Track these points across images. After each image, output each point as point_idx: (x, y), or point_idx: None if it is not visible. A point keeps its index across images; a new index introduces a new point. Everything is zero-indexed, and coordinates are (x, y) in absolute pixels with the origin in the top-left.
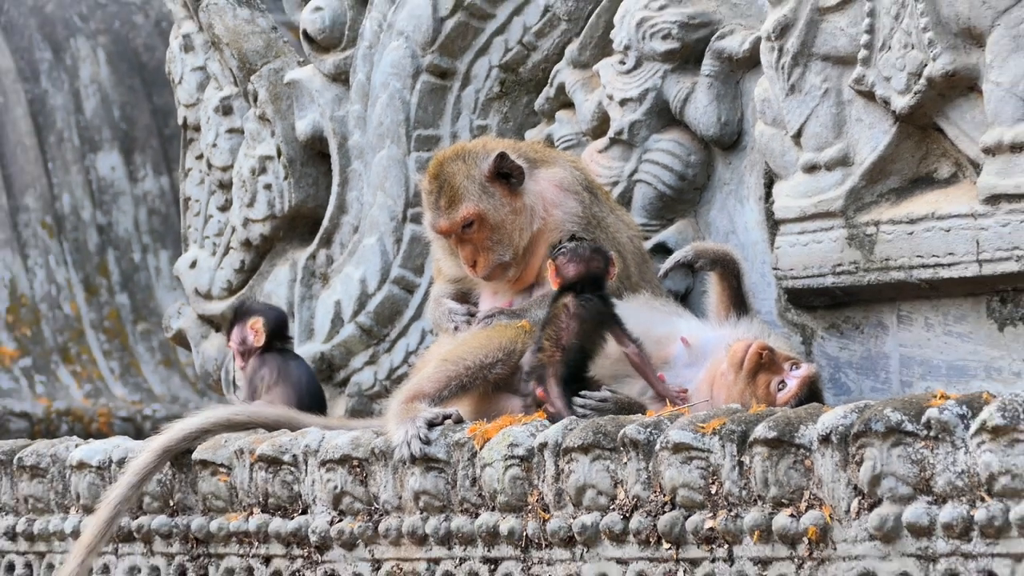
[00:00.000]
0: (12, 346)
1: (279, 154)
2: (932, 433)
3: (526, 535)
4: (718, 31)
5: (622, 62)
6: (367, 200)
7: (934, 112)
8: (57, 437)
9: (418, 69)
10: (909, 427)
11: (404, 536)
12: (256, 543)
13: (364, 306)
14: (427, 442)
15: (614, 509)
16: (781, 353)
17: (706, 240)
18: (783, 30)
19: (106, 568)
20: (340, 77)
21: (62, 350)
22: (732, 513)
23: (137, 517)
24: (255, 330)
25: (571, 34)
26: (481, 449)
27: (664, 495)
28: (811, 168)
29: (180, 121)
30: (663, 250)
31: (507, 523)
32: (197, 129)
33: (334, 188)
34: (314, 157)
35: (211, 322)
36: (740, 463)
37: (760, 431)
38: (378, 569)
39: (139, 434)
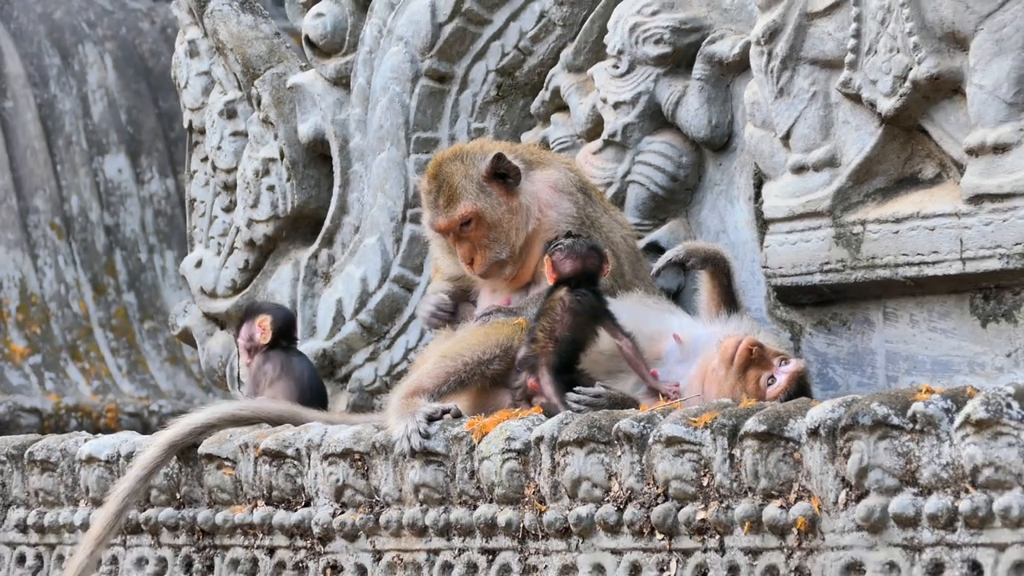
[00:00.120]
0: (22, 344)
1: (282, 156)
2: (918, 426)
3: (523, 526)
4: (709, 36)
5: (615, 66)
6: (368, 201)
7: (919, 114)
8: (66, 432)
9: (417, 73)
10: (895, 421)
11: (404, 528)
12: (260, 535)
13: (365, 304)
14: (427, 436)
15: (609, 501)
16: (770, 349)
17: (697, 239)
18: (772, 35)
19: (114, 559)
20: (341, 81)
21: (71, 348)
22: (723, 505)
23: (145, 510)
24: (263, 328)
25: (566, 39)
26: (479, 443)
27: (657, 487)
28: (799, 169)
29: (185, 124)
30: (655, 249)
31: (504, 515)
32: (202, 132)
33: (335, 189)
34: (316, 159)
35: (216, 320)
36: (731, 456)
37: (751, 425)
38: (379, 560)
39: (146, 429)
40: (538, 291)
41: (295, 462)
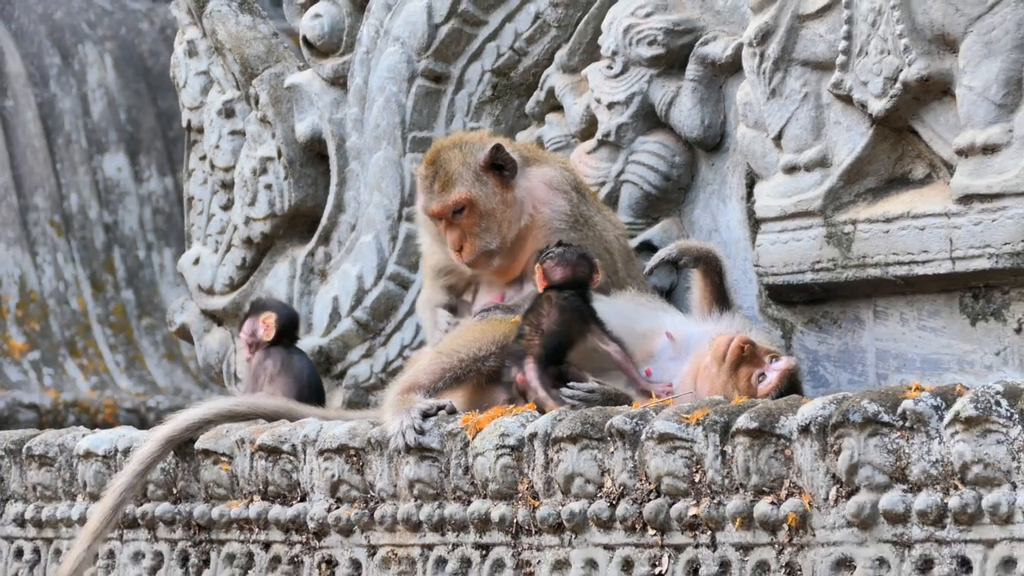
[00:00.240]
0: (21, 340)
1: (279, 155)
2: (907, 424)
3: (516, 522)
4: (702, 37)
5: (609, 67)
6: (364, 199)
7: (909, 115)
8: (64, 428)
9: (413, 73)
10: (885, 418)
11: (399, 523)
12: (256, 529)
13: (361, 301)
14: (421, 432)
15: (601, 497)
16: (762, 347)
17: (690, 238)
18: (764, 36)
19: (111, 554)
20: (338, 81)
21: (69, 344)
22: (715, 501)
23: (141, 504)
24: (266, 325)
25: (561, 40)
26: (473, 439)
27: (649, 483)
28: (791, 169)
29: (184, 123)
30: (648, 248)
31: (498, 510)
32: (200, 131)
33: (332, 188)
34: (313, 158)
35: (213, 317)
36: (723, 452)
37: (742, 422)
38: (374, 555)
39: (143, 425)
40: (532, 288)
41: (291, 458)
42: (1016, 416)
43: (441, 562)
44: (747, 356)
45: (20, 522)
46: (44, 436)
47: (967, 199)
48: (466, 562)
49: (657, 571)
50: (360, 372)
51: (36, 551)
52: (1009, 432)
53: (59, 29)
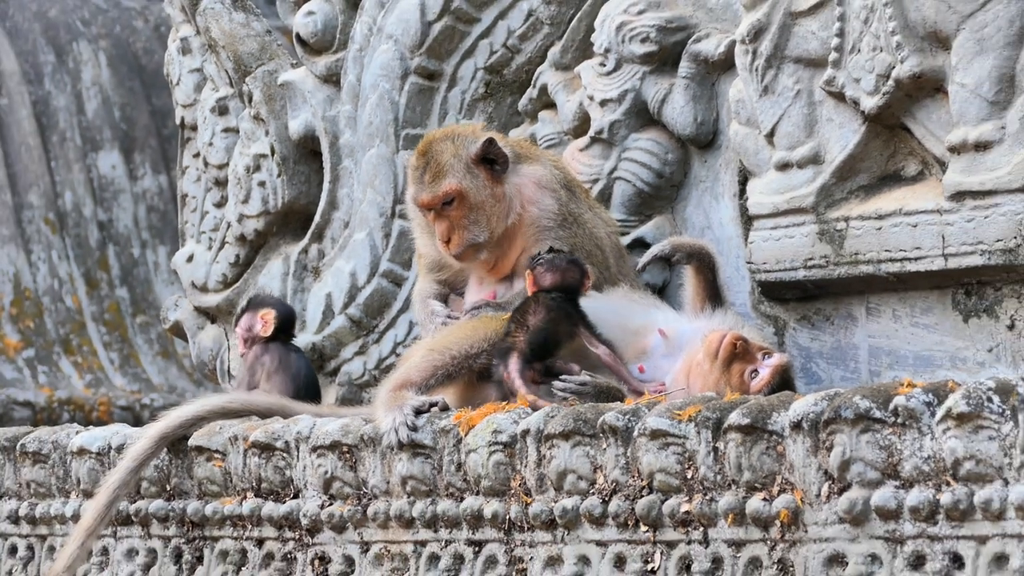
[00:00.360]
0: (16, 338)
1: (273, 152)
2: (899, 420)
3: (509, 518)
4: (694, 35)
5: (602, 64)
6: (357, 197)
7: (901, 112)
8: (59, 425)
9: (406, 71)
10: (877, 414)
11: (392, 519)
12: (249, 526)
13: (354, 298)
14: (414, 429)
15: (594, 493)
16: (754, 343)
17: (683, 235)
18: (757, 34)
19: (105, 550)
20: (331, 79)
21: (64, 342)
22: (707, 497)
23: (135, 501)
24: (265, 321)
25: (553, 37)
26: (466, 436)
27: (642, 480)
28: (783, 166)
29: (178, 121)
30: (641, 245)
31: (491, 507)
32: (194, 128)
33: (325, 185)
34: (306, 155)
35: (207, 314)
36: (715, 449)
37: (734, 418)
38: (367, 551)
39: (138, 422)
40: (524, 287)
41: (284, 454)
42: (1008, 412)
43: (434, 558)
44: (739, 353)
45: (14, 519)
46: (38, 433)
47: (959, 196)
48: (459, 558)
49: (649, 567)
50: (353, 369)
51: (30, 548)
52: (1001, 428)
53: (53, 27)
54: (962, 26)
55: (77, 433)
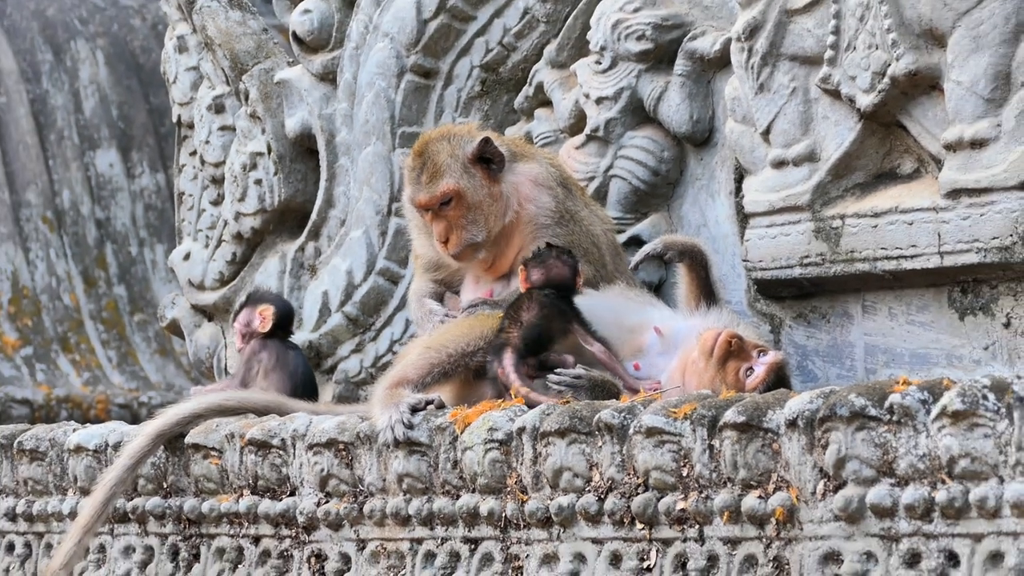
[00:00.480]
0: (14, 336)
1: (269, 151)
2: (895, 418)
3: (505, 516)
4: (690, 32)
5: (598, 62)
6: (353, 195)
7: (897, 110)
8: (56, 423)
9: (402, 69)
10: (873, 412)
11: (388, 517)
12: (246, 524)
13: (351, 296)
14: (410, 427)
15: (589, 491)
16: (750, 341)
17: (678, 233)
18: (752, 31)
19: (102, 548)
20: (328, 77)
21: (62, 339)
22: (703, 495)
23: (132, 499)
24: (263, 316)
25: (549, 35)
26: (462, 433)
27: (637, 477)
28: (779, 164)
29: (175, 119)
30: (638, 243)
31: (487, 504)
32: (191, 127)
33: (322, 183)
34: (303, 153)
35: (204, 312)
36: (710, 446)
37: (730, 416)
38: (363, 549)
39: (135, 420)
40: (519, 283)
41: (280, 452)
42: (1003, 410)
43: (430, 556)
44: (735, 351)
45: (11, 516)
46: (35, 431)
47: (955, 194)
48: (455, 556)
49: (645, 565)
50: (350, 367)
51: (27, 545)
52: (996, 426)
53: (51, 25)
54: (958, 23)
55: (74, 431)
